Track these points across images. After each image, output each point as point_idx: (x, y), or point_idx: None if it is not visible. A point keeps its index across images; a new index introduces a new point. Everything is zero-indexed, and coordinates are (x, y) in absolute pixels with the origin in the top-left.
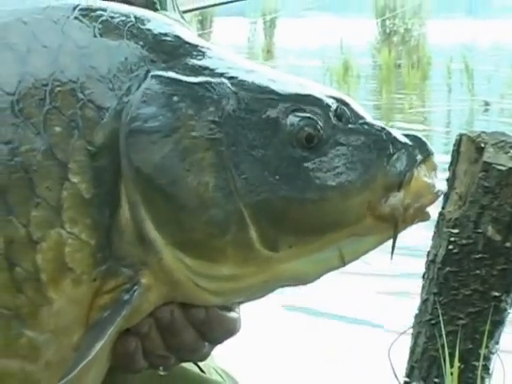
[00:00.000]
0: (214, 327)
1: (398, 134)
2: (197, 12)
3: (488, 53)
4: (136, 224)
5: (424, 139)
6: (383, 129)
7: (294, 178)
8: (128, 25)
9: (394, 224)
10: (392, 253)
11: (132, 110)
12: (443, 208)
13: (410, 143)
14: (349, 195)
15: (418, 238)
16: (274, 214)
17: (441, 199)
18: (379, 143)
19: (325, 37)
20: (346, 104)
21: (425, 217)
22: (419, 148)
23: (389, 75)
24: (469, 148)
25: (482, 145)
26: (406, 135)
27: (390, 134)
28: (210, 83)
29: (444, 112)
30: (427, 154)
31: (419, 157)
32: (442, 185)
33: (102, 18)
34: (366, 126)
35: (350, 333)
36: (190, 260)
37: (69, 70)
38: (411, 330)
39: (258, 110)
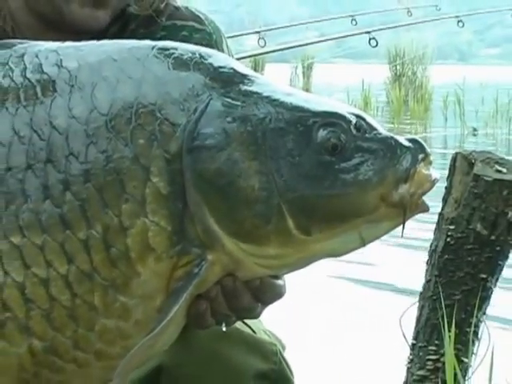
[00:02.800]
0: (266, 291)
1: (402, 140)
2: (251, 59)
3: (476, 90)
4: (200, 219)
5: (422, 142)
6: (392, 137)
7: (323, 179)
8: (194, 60)
9: (403, 209)
10: (402, 232)
11: (193, 130)
12: (442, 209)
13: (412, 146)
14: (366, 190)
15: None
16: (307, 207)
17: (441, 203)
18: (389, 148)
19: (350, 78)
20: (363, 118)
21: (425, 208)
22: (419, 149)
23: (399, 108)
24: (462, 163)
25: (473, 161)
26: (409, 140)
27: (397, 140)
28: (256, 105)
29: (441, 136)
30: (425, 154)
31: (420, 156)
32: (436, 174)
33: (174, 55)
34: (378, 135)
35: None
36: (243, 244)
37: (149, 96)
38: (417, 304)
39: (295, 124)
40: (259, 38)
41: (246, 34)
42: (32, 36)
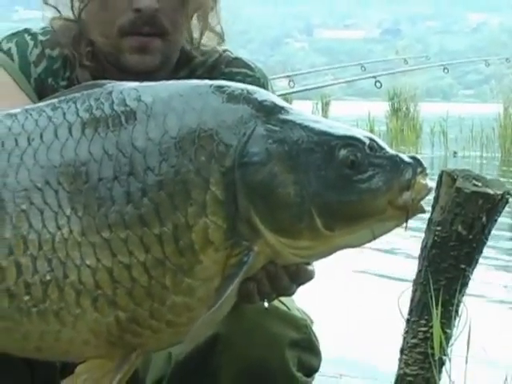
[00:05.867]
0: (301, 275)
1: (405, 157)
2: (282, 97)
3: (456, 122)
4: (248, 219)
5: (420, 159)
6: (397, 155)
7: (343, 187)
8: (243, 95)
9: (406, 211)
10: (406, 228)
11: (242, 150)
12: (431, 215)
13: (412, 162)
14: (377, 196)
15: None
16: (331, 210)
17: (430, 209)
18: (395, 163)
19: (358, 112)
20: (374, 140)
21: (423, 210)
22: (418, 164)
23: (396, 135)
24: (447, 179)
25: (455, 177)
26: (410, 157)
27: (401, 157)
28: (292, 130)
29: (429, 158)
30: (422, 168)
31: (418, 169)
32: (431, 183)
33: (227, 91)
34: (386, 154)
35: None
36: (281, 238)
37: (208, 123)
38: (411, 288)
39: (321, 145)
40: (289, 81)
41: (278, 78)
42: (111, 76)
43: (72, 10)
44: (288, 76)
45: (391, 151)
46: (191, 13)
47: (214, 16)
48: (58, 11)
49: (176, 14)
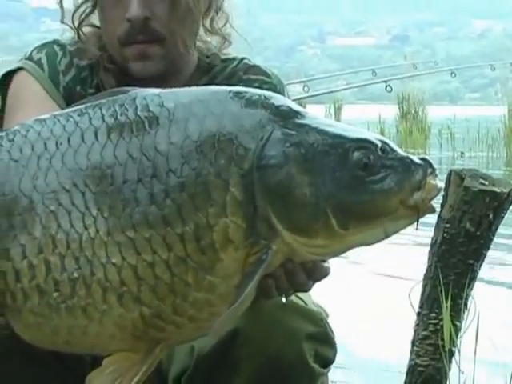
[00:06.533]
0: (317, 272)
1: (416, 159)
2: (297, 102)
3: (462, 124)
4: (266, 219)
5: (431, 160)
6: (408, 156)
7: (357, 188)
8: (260, 100)
9: (417, 210)
10: (417, 227)
11: (260, 153)
12: (440, 212)
13: (422, 163)
14: (389, 196)
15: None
16: (345, 210)
17: (439, 207)
18: (406, 165)
19: (369, 115)
20: (386, 143)
21: (433, 210)
22: (428, 165)
23: (405, 137)
24: (455, 178)
25: (463, 176)
26: (420, 158)
27: (411, 158)
28: (307, 133)
29: (437, 158)
30: (432, 169)
31: (429, 170)
32: (441, 184)
33: (245, 97)
34: (398, 156)
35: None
36: (298, 237)
37: (228, 127)
38: (422, 282)
39: (336, 148)
40: (304, 86)
41: (293, 83)
42: (130, 80)
43: (73, 22)
44: (302, 81)
45: (402, 153)
46: (184, 16)
47: (218, 19)
48: (73, 29)
49: (169, 19)
